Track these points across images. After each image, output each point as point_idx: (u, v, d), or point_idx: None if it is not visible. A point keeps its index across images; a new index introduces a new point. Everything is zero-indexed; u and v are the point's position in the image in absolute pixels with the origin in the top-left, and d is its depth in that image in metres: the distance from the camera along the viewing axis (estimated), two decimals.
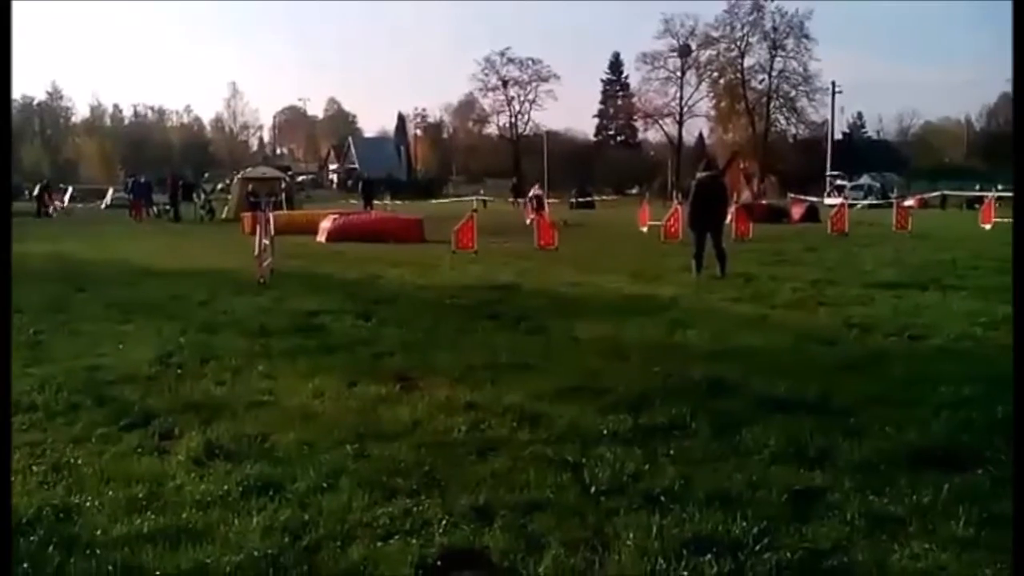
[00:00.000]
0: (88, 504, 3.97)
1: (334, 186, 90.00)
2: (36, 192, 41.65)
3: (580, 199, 54.74)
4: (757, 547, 3.45)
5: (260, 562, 3.38)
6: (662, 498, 3.94)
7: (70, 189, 56.61)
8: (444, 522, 3.72)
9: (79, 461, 4.57)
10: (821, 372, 6.37)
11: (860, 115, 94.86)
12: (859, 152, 73.18)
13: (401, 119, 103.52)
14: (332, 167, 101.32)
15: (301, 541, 3.57)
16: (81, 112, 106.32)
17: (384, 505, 3.92)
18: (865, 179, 56.73)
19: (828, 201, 41.55)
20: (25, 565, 3.37)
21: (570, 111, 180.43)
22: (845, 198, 36.74)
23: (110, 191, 57.73)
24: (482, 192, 55.05)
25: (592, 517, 3.78)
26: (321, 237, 21.55)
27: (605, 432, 4.94)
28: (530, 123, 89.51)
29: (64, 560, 3.41)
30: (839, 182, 55.99)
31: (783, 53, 75.02)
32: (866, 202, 44.04)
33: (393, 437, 4.94)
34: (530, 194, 33.92)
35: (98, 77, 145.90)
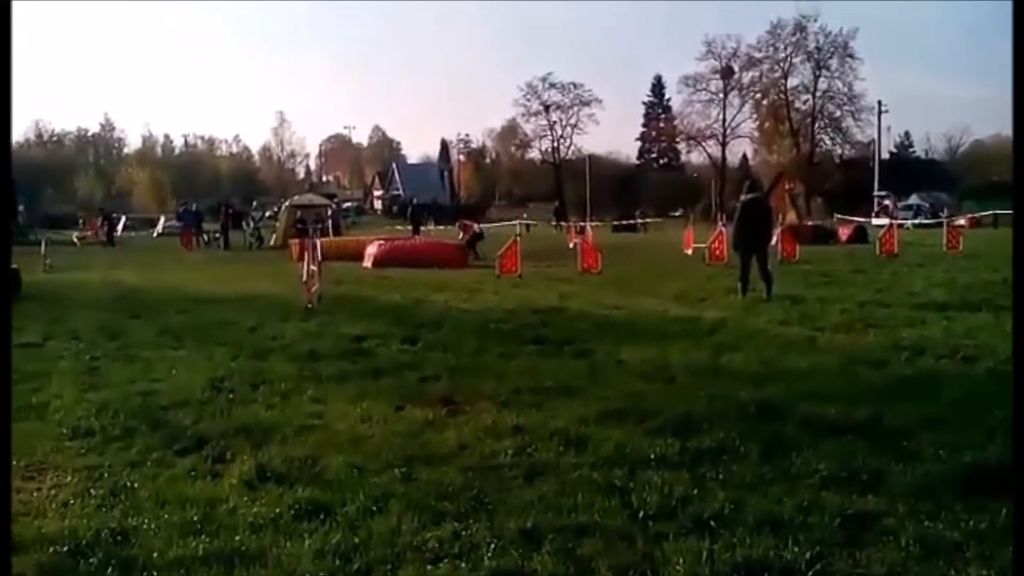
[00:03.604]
0: (144, 527, 4.06)
1: (378, 212, 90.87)
2: (100, 222, 43.07)
3: (625, 221, 54.49)
4: (810, 572, 3.41)
5: None
6: (712, 522, 3.92)
7: (123, 218, 57.90)
8: (492, 546, 3.74)
9: (135, 485, 4.68)
10: (872, 395, 6.28)
11: (907, 134, 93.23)
12: (907, 171, 71.90)
13: (444, 145, 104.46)
14: (377, 193, 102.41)
15: (352, 564, 3.61)
16: (133, 143, 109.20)
17: (433, 528, 3.95)
18: (914, 199, 55.72)
19: (876, 221, 40.91)
20: None
21: (612, 134, 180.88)
22: (894, 218, 36.14)
23: (161, 219, 58.95)
24: (525, 216, 55.12)
25: (641, 541, 3.77)
26: (367, 263, 21.78)
27: (652, 456, 4.93)
28: (572, 147, 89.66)
29: None
30: (886, 202, 55.03)
31: (827, 73, 74.09)
32: (915, 221, 43.28)
33: (441, 461, 4.98)
34: (469, 229, 26.91)
35: (149, 109, 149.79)
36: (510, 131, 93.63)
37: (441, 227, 50.24)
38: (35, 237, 36.84)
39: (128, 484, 4.69)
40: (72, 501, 4.46)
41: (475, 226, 27.74)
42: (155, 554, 3.73)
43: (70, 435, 5.72)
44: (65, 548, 3.80)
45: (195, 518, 4.14)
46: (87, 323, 11.31)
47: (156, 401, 6.68)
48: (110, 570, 3.58)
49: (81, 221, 48.75)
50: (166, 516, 4.18)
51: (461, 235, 26.73)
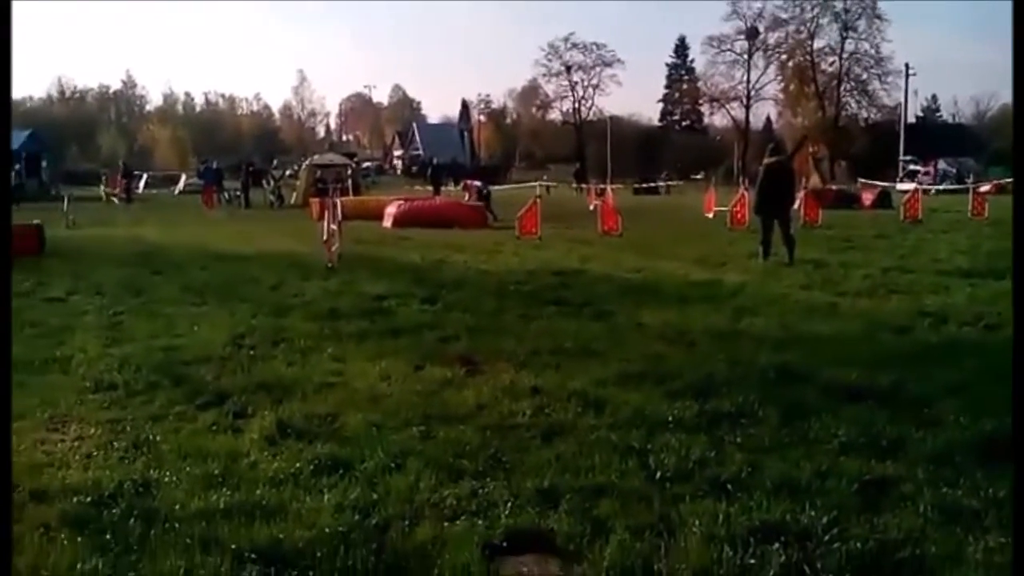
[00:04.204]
0: (166, 479, 4.11)
1: (398, 172, 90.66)
2: (121, 175, 43.25)
3: (647, 184, 54.19)
4: (826, 537, 3.40)
5: (331, 539, 3.45)
6: (729, 485, 3.91)
7: (144, 175, 58.11)
8: (510, 504, 3.76)
9: (157, 438, 4.73)
10: (893, 361, 6.23)
11: (934, 98, 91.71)
12: (934, 136, 70.76)
13: (464, 105, 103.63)
14: (396, 153, 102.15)
15: (370, 519, 3.64)
16: (155, 100, 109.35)
17: (450, 486, 3.97)
18: (940, 164, 54.85)
19: (900, 187, 40.38)
20: (108, 536, 3.50)
21: (634, 96, 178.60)
22: (919, 183, 35.66)
23: (183, 177, 59.13)
24: (545, 178, 54.86)
25: (658, 503, 3.77)
26: (387, 222, 21.78)
27: (670, 418, 4.92)
28: (593, 108, 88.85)
29: (144, 532, 3.53)
30: (915, 167, 54.19)
31: (854, 34, 72.90)
32: (940, 187, 42.67)
33: (459, 420, 5.00)
34: (472, 189, 27.04)
35: (171, 66, 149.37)
36: (531, 92, 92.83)
37: (461, 187, 50.18)
38: (57, 192, 37.13)
39: (150, 437, 4.74)
40: (95, 453, 4.52)
41: (476, 183, 27.75)
42: (177, 506, 3.77)
43: (93, 388, 5.79)
44: (88, 498, 3.85)
45: (216, 471, 4.19)
46: (110, 279, 11.42)
47: (178, 356, 6.74)
48: (132, 521, 3.62)
49: (104, 178, 48.96)
50: (188, 469, 4.23)
51: (467, 196, 26.64)
